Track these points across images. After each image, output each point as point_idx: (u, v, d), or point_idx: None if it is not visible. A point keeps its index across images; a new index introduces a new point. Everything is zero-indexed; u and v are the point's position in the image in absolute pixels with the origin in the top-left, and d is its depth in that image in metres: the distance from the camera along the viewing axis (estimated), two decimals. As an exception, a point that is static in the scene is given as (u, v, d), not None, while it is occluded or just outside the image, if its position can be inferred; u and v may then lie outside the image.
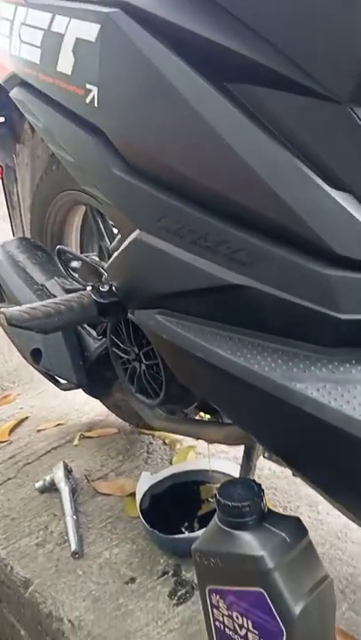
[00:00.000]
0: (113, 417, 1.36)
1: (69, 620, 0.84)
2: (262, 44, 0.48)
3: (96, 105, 0.61)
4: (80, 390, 1.56)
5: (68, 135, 0.68)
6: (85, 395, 1.51)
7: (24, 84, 0.75)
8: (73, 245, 1.30)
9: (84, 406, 1.48)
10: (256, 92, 0.50)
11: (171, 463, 1.16)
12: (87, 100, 0.62)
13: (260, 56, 0.48)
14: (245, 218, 0.53)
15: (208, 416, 0.86)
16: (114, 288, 0.68)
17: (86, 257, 0.83)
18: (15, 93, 0.78)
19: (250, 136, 0.51)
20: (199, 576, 0.63)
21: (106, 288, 0.67)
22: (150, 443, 1.26)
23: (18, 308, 0.64)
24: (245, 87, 0.50)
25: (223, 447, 1.18)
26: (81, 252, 1.28)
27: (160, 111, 0.56)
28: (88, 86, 0.61)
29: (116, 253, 0.67)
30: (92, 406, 1.46)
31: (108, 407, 1.31)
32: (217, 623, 0.64)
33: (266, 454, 0.70)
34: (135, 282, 0.65)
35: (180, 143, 0.55)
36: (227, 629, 0.62)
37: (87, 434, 1.33)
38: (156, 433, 1.27)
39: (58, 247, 0.81)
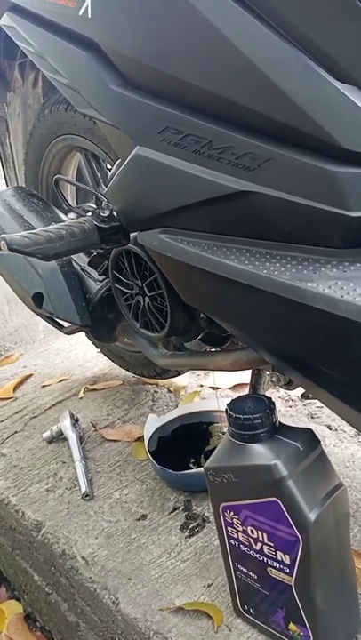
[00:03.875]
0: (117, 370, 1.36)
1: (83, 557, 0.85)
2: None
3: (90, 16, 0.59)
4: (82, 348, 1.56)
5: (61, 55, 0.65)
6: (88, 351, 1.52)
7: (14, 9, 0.73)
8: (69, 198, 1.28)
9: (86, 362, 1.48)
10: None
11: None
12: (80, 12, 0.60)
13: None
14: (249, 120, 0.51)
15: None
16: (114, 213, 0.67)
17: (85, 185, 0.81)
18: (5, 20, 0.75)
19: (252, 32, 0.49)
20: (212, 495, 0.63)
21: (107, 213, 0.66)
22: (155, 391, 1.26)
23: (19, 233, 0.63)
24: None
25: (227, 391, 1.19)
26: (77, 204, 1.26)
27: (156, 14, 0.54)
28: (81, -4, 0.59)
29: (115, 176, 0.65)
30: (94, 362, 1.47)
31: (111, 359, 1.31)
32: (231, 541, 0.64)
33: (273, 379, 0.70)
34: (137, 202, 0.63)
35: (178, 47, 0.53)
36: (241, 546, 0.63)
37: (92, 387, 1.33)
38: (161, 382, 1.27)
39: (55, 177, 0.79)
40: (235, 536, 0.63)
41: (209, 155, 0.54)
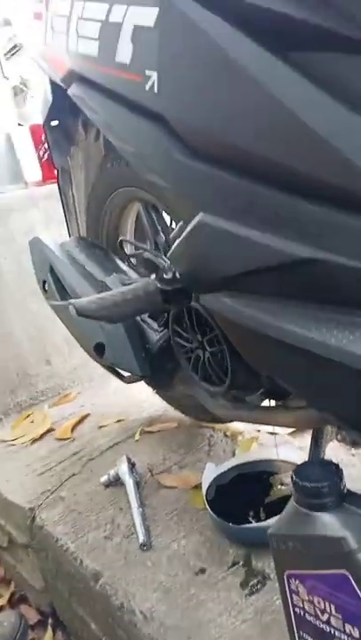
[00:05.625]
0: (172, 411, 1.37)
1: (141, 612, 0.84)
2: (323, 6, 0.47)
3: (156, 91, 0.61)
4: (139, 387, 1.58)
5: (127, 125, 0.68)
6: (144, 391, 1.53)
7: (82, 80, 0.77)
8: (128, 234, 1.31)
9: (143, 402, 1.49)
10: (322, 59, 0.49)
11: (233, 455, 1.15)
12: (147, 87, 0.62)
13: (323, 19, 0.47)
14: (316, 189, 0.52)
15: (273, 403, 0.85)
16: (177, 275, 0.68)
17: (147, 247, 0.83)
18: (73, 90, 0.79)
19: (319, 104, 0.50)
20: (277, 561, 0.62)
21: (170, 275, 0.68)
22: (211, 435, 1.25)
23: (86, 298, 0.65)
24: (311, 55, 0.49)
25: (287, 437, 1.17)
26: (135, 250, 1.29)
27: (224, 89, 0.55)
28: (147, 72, 0.61)
29: (178, 240, 0.67)
30: (151, 402, 1.48)
31: (167, 401, 1.32)
32: (296, 609, 0.62)
33: (339, 436, 0.68)
34: (200, 266, 0.64)
35: (245, 120, 0.54)
36: (307, 615, 0.61)
37: (148, 429, 1.34)
38: (217, 425, 1.26)
39: (120, 238, 0.82)
40: (300, 605, 0.61)
41: (274, 222, 0.55)
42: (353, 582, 0.54)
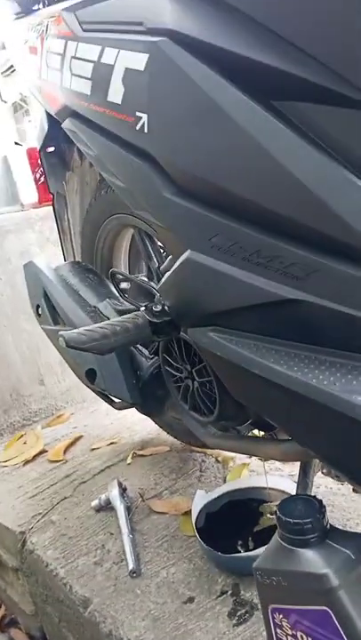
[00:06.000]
0: (164, 435, 1.37)
1: (129, 640, 0.84)
2: (306, 59, 0.49)
3: (146, 131, 0.63)
4: (131, 409, 1.59)
5: (118, 161, 0.70)
6: (137, 413, 1.53)
7: (75, 115, 0.79)
8: (122, 267, 1.32)
9: (135, 425, 1.50)
10: (303, 108, 0.51)
11: (224, 481, 1.16)
12: (137, 127, 0.64)
13: (305, 72, 0.49)
14: (298, 233, 0.53)
15: (262, 433, 0.86)
16: (166, 308, 0.69)
17: (137, 278, 0.84)
18: (67, 124, 0.81)
19: (299, 152, 0.51)
20: (261, 595, 0.62)
21: (159, 308, 0.69)
22: (203, 460, 1.25)
23: (76, 330, 0.66)
24: (293, 104, 0.51)
25: (278, 464, 1.17)
26: (129, 274, 1.31)
27: (210, 133, 0.57)
28: (138, 114, 0.63)
29: (167, 274, 0.68)
30: (143, 425, 1.48)
31: (159, 425, 1.32)
32: (281, 644, 0.62)
33: (324, 470, 0.69)
34: (188, 301, 0.66)
35: (230, 163, 0.56)
36: (291, 650, 0.61)
37: (140, 452, 1.34)
38: (208, 451, 1.27)
39: (111, 270, 0.83)
40: (284, 638, 0.62)
41: (258, 262, 0.56)
42: (335, 620, 0.54)
